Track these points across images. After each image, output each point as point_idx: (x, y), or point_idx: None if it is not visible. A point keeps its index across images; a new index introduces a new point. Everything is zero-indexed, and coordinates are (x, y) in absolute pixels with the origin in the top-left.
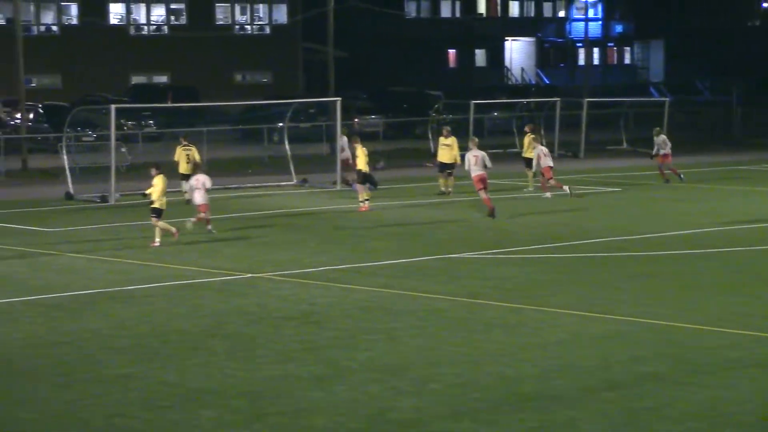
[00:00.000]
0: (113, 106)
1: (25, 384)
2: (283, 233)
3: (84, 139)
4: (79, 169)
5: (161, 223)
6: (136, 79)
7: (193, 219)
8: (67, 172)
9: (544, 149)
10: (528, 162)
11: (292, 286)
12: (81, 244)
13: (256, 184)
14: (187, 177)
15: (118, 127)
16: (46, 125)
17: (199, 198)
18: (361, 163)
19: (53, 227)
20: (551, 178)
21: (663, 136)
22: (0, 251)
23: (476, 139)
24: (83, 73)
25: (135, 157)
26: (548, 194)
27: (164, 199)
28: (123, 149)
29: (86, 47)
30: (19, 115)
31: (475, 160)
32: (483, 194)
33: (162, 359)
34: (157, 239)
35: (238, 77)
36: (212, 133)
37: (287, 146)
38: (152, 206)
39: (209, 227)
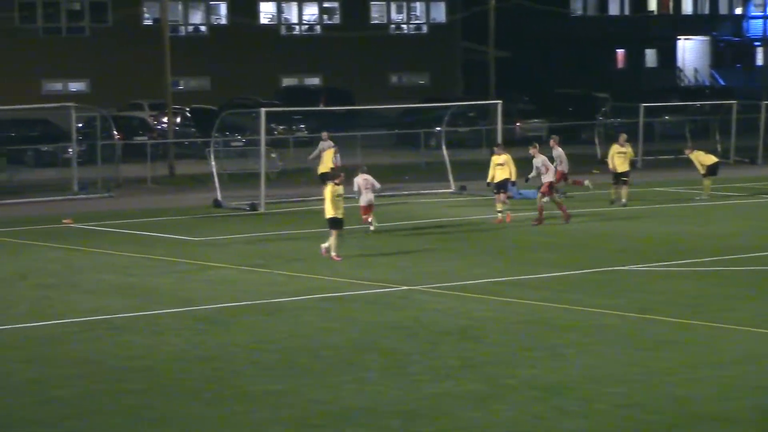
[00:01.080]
0: (263, 110)
1: (171, 400)
2: (439, 243)
3: (232, 144)
4: (228, 175)
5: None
6: (287, 81)
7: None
8: (215, 178)
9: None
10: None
11: (449, 299)
12: (229, 254)
13: (412, 192)
14: (325, 177)
15: (268, 131)
16: (193, 130)
17: (368, 198)
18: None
19: (201, 236)
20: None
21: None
22: (146, 261)
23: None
24: (232, 75)
25: (286, 163)
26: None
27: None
28: (273, 155)
29: (235, 48)
30: (165, 120)
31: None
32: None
33: (312, 375)
34: (332, 251)
35: (394, 79)
36: (367, 138)
37: (445, 152)
38: (330, 217)
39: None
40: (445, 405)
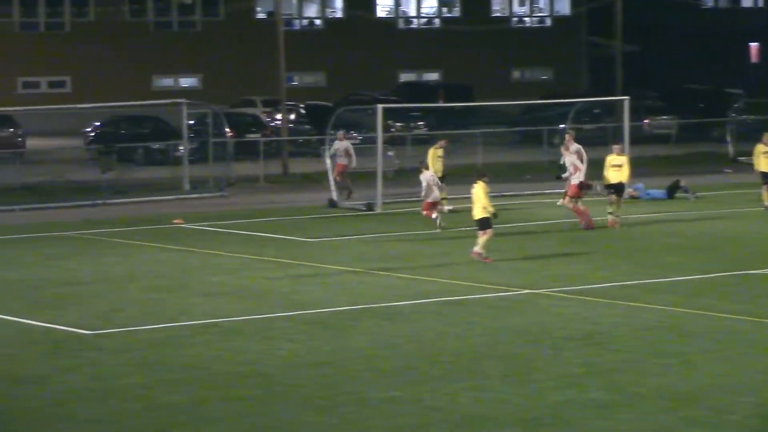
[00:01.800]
0: (380, 106)
1: (284, 406)
2: (563, 245)
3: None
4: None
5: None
6: (405, 77)
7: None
8: (330, 177)
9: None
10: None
11: (573, 304)
12: (345, 256)
13: (535, 191)
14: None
15: (385, 128)
16: (307, 127)
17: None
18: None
19: (315, 237)
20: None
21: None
22: (259, 263)
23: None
24: (348, 70)
25: (403, 162)
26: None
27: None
28: (390, 153)
29: (351, 42)
30: (279, 116)
31: None
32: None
33: (431, 382)
34: (480, 248)
35: (516, 74)
36: (487, 135)
37: None
38: (481, 217)
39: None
40: (568, 413)
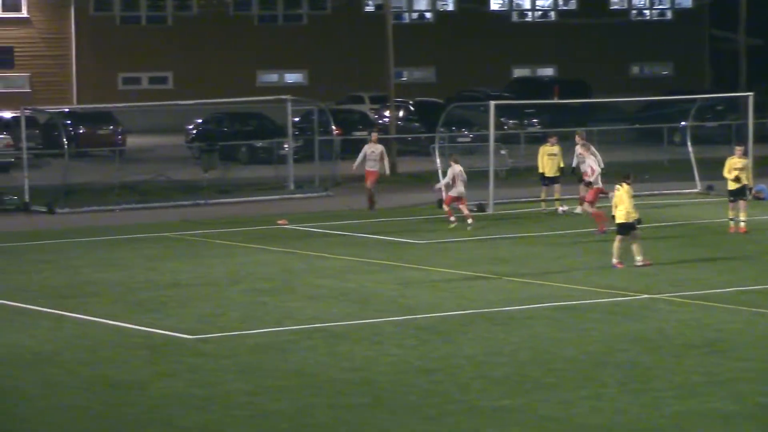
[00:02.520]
0: (492, 103)
1: (392, 414)
2: (683, 248)
3: (459, 140)
4: None
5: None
6: (519, 72)
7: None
8: (440, 176)
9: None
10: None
11: (694, 309)
12: (455, 259)
13: (654, 192)
14: (547, 180)
15: (498, 126)
16: (417, 124)
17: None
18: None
19: (425, 239)
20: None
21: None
22: (366, 265)
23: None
24: (459, 66)
25: (516, 161)
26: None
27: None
28: (503, 151)
29: (463, 36)
30: (387, 114)
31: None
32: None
33: (545, 391)
34: (639, 257)
35: (635, 69)
36: (604, 133)
37: (690, 148)
38: (621, 222)
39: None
40: (689, 424)
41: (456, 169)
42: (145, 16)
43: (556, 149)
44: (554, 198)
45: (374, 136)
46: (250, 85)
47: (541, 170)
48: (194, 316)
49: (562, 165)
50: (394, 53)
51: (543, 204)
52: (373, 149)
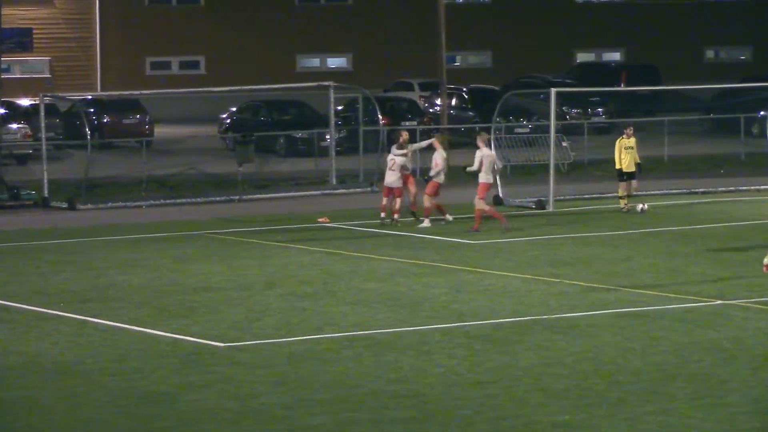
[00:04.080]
0: (553, 90)
1: (442, 430)
2: (762, 249)
3: (517, 130)
4: (511, 167)
5: None
6: (582, 57)
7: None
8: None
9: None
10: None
11: None
12: (512, 261)
13: (730, 188)
14: (625, 176)
15: (560, 115)
16: (471, 113)
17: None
18: None
19: (479, 239)
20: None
21: None
22: (415, 267)
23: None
24: (517, 50)
25: (579, 154)
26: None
27: None
28: (565, 143)
29: (522, 18)
30: (439, 101)
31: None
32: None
33: (609, 405)
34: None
35: (710, 54)
36: (675, 124)
37: None
38: None
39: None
40: None
41: (443, 154)
42: None
43: (632, 141)
44: (627, 195)
45: (405, 135)
46: (289, 70)
47: (618, 166)
48: (226, 323)
49: (638, 161)
50: (446, 36)
51: (622, 201)
52: (398, 154)
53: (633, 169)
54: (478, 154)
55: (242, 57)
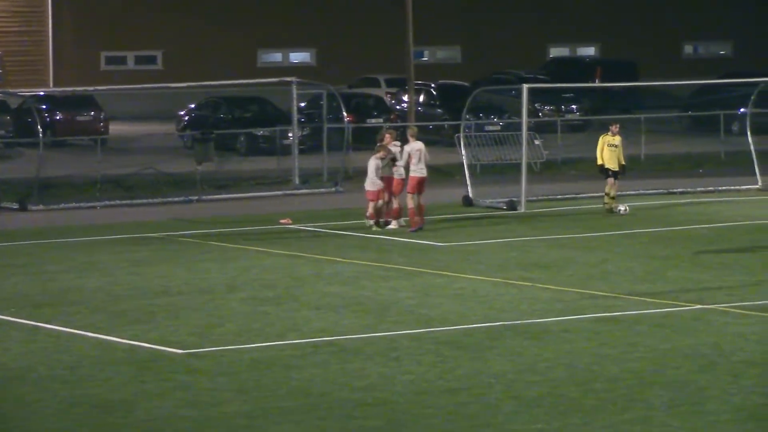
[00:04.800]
0: (525, 86)
1: None
2: (743, 252)
3: (487, 128)
4: (481, 166)
5: None
6: (556, 52)
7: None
8: (465, 170)
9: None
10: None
11: (755, 322)
12: (483, 264)
13: (709, 188)
14: (610, 173)
15: (532, 113)
16: (439, 111)
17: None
18: None
19: (447, 241)
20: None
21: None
22: (381, 271)
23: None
24: (488, 45)
25: (552, 153)
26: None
27: None
28: (537, 142)
29: (493, 11)
30: (406, 98)
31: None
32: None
33: (584, 413)
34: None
35: (689, 49)
36: (652, 121)
37: (750, 139)
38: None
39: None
40: None
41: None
42: None
43: (617, 140)
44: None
45: (388, 137)
46: (250, 65)
47: (600, 162)
48: (186, 328)
49: (623, 162)
50: (414, 29)
51: (609, 199)
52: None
53: (616, 167)
54: (406, 148)
55: (201, 51)
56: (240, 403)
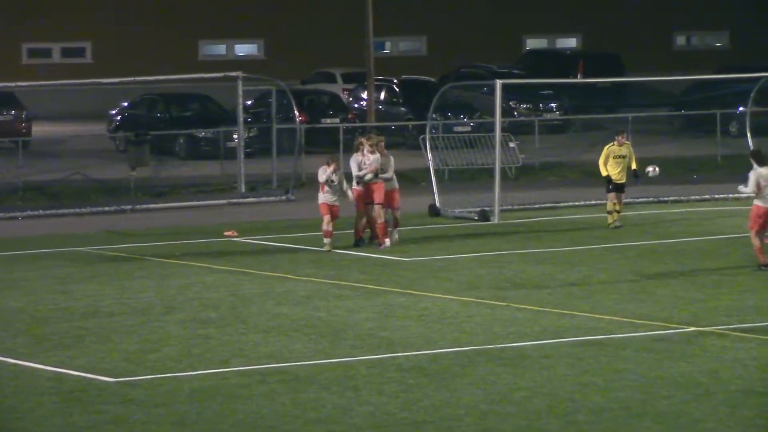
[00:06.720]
0: (499, 82)
1: None
2: (741, 268)
3: (456, 129)
4: (449, 172)
5: None
6: (533, 43)
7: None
8: (432, 176)
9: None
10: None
11: (755, 346)
12: (451, 281)
13: (704, 196)
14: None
15: (506, 111)
16: (403, 109)
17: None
18: None
19: (411, 255)
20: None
21: None
22: (337, 289)
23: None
24: (457, 35)
25: (529, 156)
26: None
27: None
28: (512, 144)
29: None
30: (365, 95)
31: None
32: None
33: None
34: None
35: (681, 40)
36: (640, 121)
37: (750, 141)
38: None
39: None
40: None
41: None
42: None
43: (625, 150)
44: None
45: (363, 141)
46: (190, 59)
47: (605, 173)
48: (118, 354)
49: (635, 167)
50: (374, 19)
51: (610, 217)
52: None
53: (624, 180)
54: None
55: (135, 43)
56: None
